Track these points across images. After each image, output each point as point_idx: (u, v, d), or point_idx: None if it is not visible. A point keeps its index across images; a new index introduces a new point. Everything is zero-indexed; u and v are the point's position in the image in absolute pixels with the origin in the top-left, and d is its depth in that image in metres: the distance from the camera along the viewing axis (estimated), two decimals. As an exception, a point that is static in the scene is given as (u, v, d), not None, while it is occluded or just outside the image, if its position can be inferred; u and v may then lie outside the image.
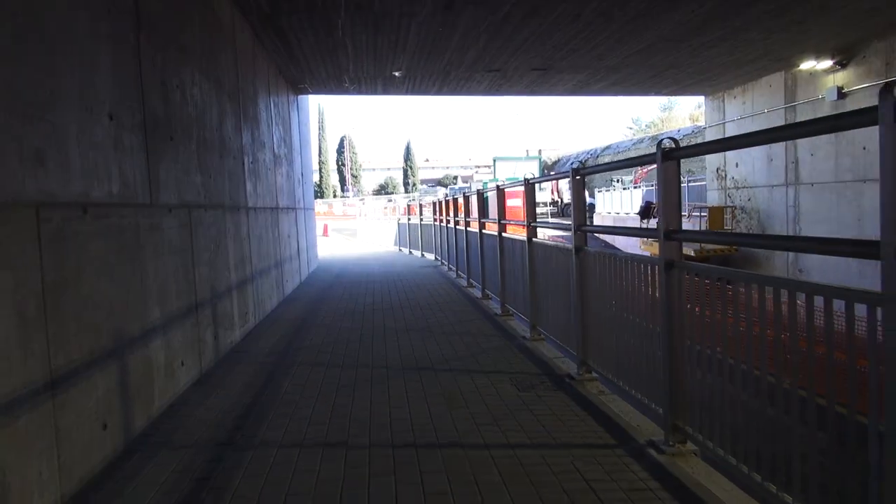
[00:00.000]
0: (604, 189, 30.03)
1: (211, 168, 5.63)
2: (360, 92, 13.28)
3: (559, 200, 37.78)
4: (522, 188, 5.93)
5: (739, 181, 15.13)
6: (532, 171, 38.46)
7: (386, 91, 13.25)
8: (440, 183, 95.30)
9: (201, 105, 5.48)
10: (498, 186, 7.38)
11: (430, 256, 16.03)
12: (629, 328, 3.71)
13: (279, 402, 4.23)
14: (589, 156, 53.22)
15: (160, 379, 4.07)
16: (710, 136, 15.93)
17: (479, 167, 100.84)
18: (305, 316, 7.85)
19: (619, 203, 25.58)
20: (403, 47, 9.91)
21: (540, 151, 61.09)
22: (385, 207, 21.73)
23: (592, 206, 36.38)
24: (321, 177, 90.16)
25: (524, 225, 6.03)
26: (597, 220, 28.62)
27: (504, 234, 7.26)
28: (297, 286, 10.89)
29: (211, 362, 5.28)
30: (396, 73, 11.53)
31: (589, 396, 4.09)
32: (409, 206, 18.26)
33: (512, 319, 6.94)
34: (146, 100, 4.11)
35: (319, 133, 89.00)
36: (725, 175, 15.60)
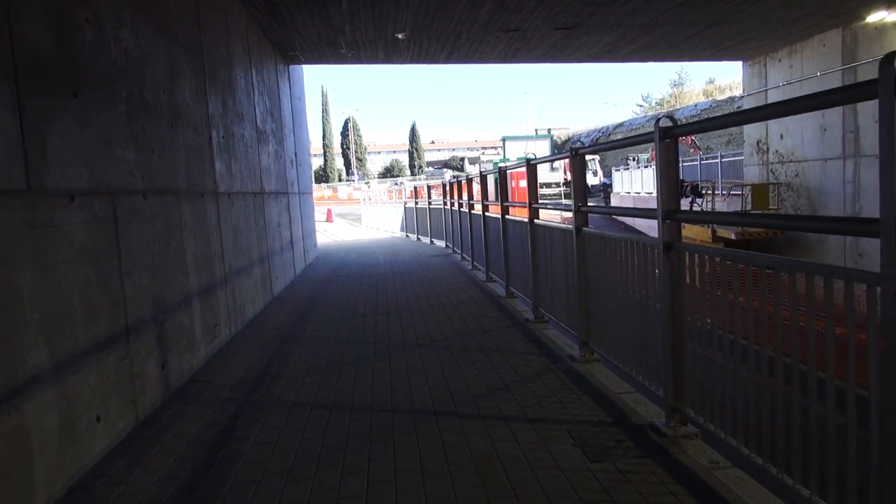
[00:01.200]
0: (621, 168, 28.39)
1: (154, 141, 4.22)
2: (359, 60, 11.79)
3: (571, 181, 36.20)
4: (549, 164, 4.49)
5: (785, 155, 13.55)
6: (543, 150, 36.91)
7: (388, 58, 11.74)
8: (447, 165, 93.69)
9: (138, 55, 4.06)
10: (529, 161, 5.94)
11: (440, 243, 14.63)
12: (775, 372, 2.31)
13: (233, 480, 2.86)
14: (601, 134, 51.51)
15: (48, 453, 2.70)
16: (749, 105, 14.32)
17: (485, 148, 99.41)
18: (294, 323, 6.48)
19: (639, 182, 23.98)
20: (407, 2, 8.42)
21: (549, 130, 59.32)
22: (391, 191, 20.25)
23: (607, 185, 34.83)
24: (326, 160, 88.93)
25: (567, 209, 4.63)
26: (616, 201, 27.10)
27: (537, 221, 5.85)
28: (289, 283, 9.53)
29: (155, 403, 3.92)
30: (400, 36, 10.04)
31: (698, 472, 2.69)
32: (416, 188, 16.82)
33: (548, 328, 5.54)
34: (16, 30, 2.69)
35: (323, 116, 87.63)
36: (767, 148, 14.02)
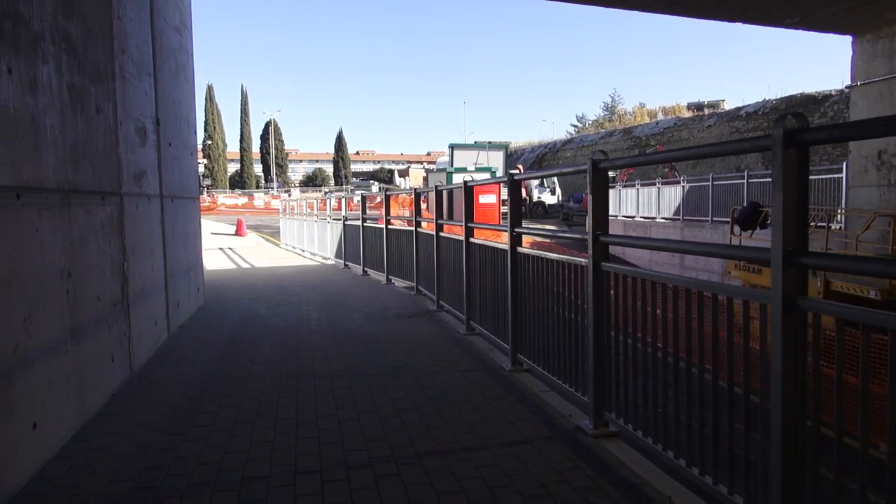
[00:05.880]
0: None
1: None
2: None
3: (527, 199, 31.86)
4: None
5: (931, 173, 9.42)
6: (496, 161, 32.49)
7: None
8: (374, 177, 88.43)
9: None
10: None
11: (400, 283, 9.49)
12: None
13: None
14: (546, 150, 47.94)
15: None
16: (862, 104, 10.13)
17: (411, 162, 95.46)
18: None
19: (631, 204, 19.72)
20: None
21: (489, 143, 55.26)
22: (324, 200, 14.74)
23: (563, 206, 30.69)
24: (243, 165, 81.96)
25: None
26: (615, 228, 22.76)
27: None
28: (109, 397, 4.10)
29: None
30: None
31: None
32: (363, 197, 11.52)
33: None
34: None
35: (241, 117, 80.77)
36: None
